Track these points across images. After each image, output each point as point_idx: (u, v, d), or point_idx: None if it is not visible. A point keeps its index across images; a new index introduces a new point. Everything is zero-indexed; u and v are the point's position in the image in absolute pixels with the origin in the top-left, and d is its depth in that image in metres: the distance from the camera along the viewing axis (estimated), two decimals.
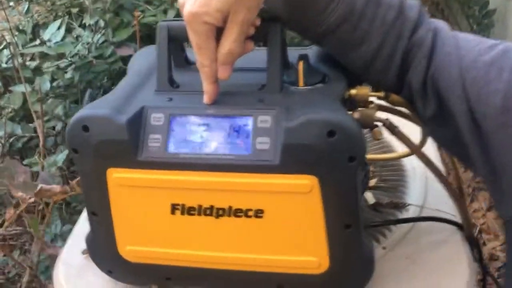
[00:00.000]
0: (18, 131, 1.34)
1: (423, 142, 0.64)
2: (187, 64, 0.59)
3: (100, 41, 1.43)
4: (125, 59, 1.44)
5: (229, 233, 0.53)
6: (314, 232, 0.51)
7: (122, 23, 1.46)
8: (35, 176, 1.35)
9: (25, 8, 1.67)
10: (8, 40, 1.54)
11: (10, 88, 1.40)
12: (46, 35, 1.30)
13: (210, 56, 0.49)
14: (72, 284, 0.63)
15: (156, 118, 0.51)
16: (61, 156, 1.20)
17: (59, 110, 1.30)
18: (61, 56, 1.33)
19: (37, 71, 1.43)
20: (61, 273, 0.66)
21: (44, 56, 1.44)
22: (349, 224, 0.51)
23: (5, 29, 1.62)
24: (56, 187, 0.64)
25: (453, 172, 0.70)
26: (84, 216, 0.75)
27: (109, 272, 0.59)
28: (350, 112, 0.53)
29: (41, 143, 1.12)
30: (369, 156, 0.71)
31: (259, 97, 0.52)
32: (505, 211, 0.53)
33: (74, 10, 1.63)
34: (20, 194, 0.64)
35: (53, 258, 0.98)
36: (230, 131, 0.50)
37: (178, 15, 1.55)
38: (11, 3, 1.78)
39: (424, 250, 0.63)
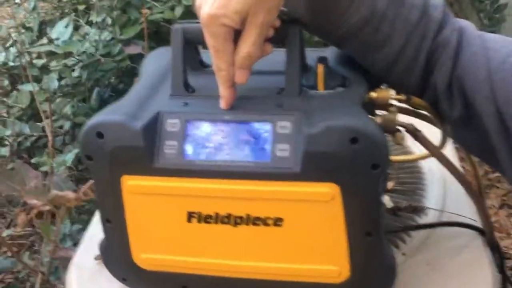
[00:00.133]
0: (26, 130, 1.33)
1: (442, 144, 0.62)
2: (202, 67, 0.57)
3: (107, 38, 1.41)
4: (133, 57, 1.42)
5: (247, 242, 0.51)
6: (335, 241, 0.50)
7: (130, 20, 1.44)
8: (43, 176, 1.34)
9: (31, 5, 1.65)
10: (14, 38, 1.53)
11: (18, 87, 1.39)
12: (53, 33, 1.29)
13: (227, 59, 0.48)
14: None
15: (172, 124, 0.50)
16: (69, 156, 1.19)
17: (67, 110, 1.28)
18: (68, 54, 1.32)
19: (44, 69, 1.42)
20: (74, 278, 0.65)
21: (51, 54, 1.43)
22: (370, 232, 0.49)
23: (11, 26, 1.61)
24: (70, 194, 0.63)
25: (469, 172, 0.68)
26: (96, 220, 0.74)
27: (123, 280, 0.58)
28: (371, 117, 0.51)
29: (50, 143, 1.10)
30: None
31: (278, 101, 0.50)
32: None
33: (81, 7, 1.61)
34: (34, 201, 0.63)
35: (63, 260, 0.97)
36: (248, 137, 0.49)
37: (186, 12, 1.55)
38: (17, 0, 1.76)
39: (445, 256, 0.62)
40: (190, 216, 0.51)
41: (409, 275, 0.59)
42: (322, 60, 0.52)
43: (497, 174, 1.74)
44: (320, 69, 0.51)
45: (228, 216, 0.50)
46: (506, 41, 0.51)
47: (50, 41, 1.30)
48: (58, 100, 1.30)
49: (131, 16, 1.45)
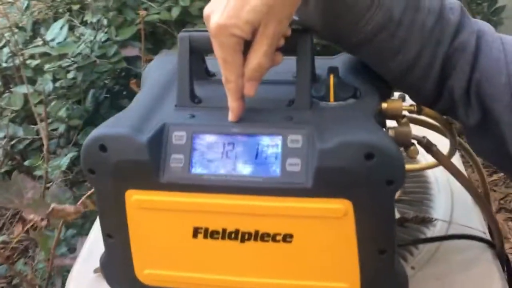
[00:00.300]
0: (20, 133, 1.30)
1: (451, 153, 0.61)
2: (208, 75, 0.56)
3: (103, 39, 1.39)
4: (129, 59, 1.40)
5: (255, 258, 0.50)
6: (346, 258, 0.48)
7: (126, 21, 1.42)
8: (36, 178, 1.32)
9: (25, 5, 1.62)
10: (7, 38, 1.50)
11: (12, 89, 1.36)
12: (48, 35, 1.26)
13: (236, 71, 0.46)
14: None
15: (178, 137, 0.48)
16: (64, 160, 1.17)
17: (62, 112, 1.26)
18: (63, 56, 1.30)
19: (38, 70, 1.39)
20: None
21: (45, 55, 1.40)
22: (383, 249, 0.48)
23: (4, 26, 1.58)
24: (70, 207, 0.61)
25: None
26: (95, 230, 0.72)
27: None
28: (385, 130, 0.49)
29: (45, 148, 1.08)
30: None
31: (288, 114, 0.48)
32: None
33: (75, 7, 1.59)
34: (32, 216, 0.60)
35: (58, 268, 0.95)
36: (257, 151, 0.47)
37: (183, 12, 1.52)
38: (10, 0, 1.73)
39: (454, 270, 0.60)
40: (196, 231, 0.49)
41: None
42: (333, 70, 0.51)
43: (493, 178, 1.73)
44: (332, 80, 0.50)
45: (236, 232, 0.48)
46: None
47: (45, 42, 1.27)
48: (53, 103, 1.28)
49: (127, 17, 1.43)
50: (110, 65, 1.35)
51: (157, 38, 1.51)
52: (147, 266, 0.53)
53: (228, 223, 0.48)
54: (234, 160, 0.47)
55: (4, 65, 1.44)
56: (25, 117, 1.41)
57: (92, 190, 0.71)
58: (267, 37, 0.45)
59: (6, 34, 1.53)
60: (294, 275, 0.50)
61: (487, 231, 0.66)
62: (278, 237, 0.48)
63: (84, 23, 1.51)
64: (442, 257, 0.62)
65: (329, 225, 0.47)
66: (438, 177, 0.73)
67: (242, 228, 0.48)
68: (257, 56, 0.46)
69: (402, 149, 0.51)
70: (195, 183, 0.47)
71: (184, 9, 1.48)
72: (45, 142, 1.08)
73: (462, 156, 0.83)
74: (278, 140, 0.47)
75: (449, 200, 0.70)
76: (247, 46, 0.46)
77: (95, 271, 0.63)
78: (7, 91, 1.50)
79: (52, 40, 1.27)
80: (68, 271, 1.08)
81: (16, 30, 1.55)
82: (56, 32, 1.28)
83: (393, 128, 0.50)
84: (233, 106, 0.47)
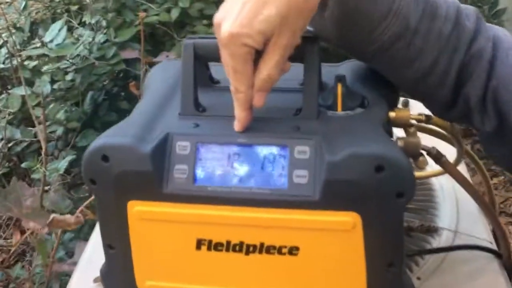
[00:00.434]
0: (18, 135, 1.29)
1: (457, 162, 0.60)
2: (212, 83, 0.54)
3: (102, 41, 1.37)
4: (128, 60, 1.39)
5: (259, 271, 0.48)
6: (353, 271, 0.47)
7: (125, 22, 1.41)
8: (34, 182, 1.31)
9: (22, 5, 1.61)
10: (5, 38, 1.48)
11: (9, 91, 1.35)
12: (47, 36, 1.25)
13: (246, 81, 0.45)
14: None
15: (182, 147, 0.47)
16: (63, 163, 1.16)
17: (60, 115, 1.24)
18: (61, 57, 1.28)
19: (36, 72, 1.37)
20: None
21: (42, 56, 1.38)
22: (391, 262, 0.47)
23: (1, 27, 1.56)
24: (70, 218, 0.59)
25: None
26: (94, 238, 0.71)
27: None
28: (394, 140, 0.48)
29: (43, 151, 1.06)
30: None
31: (295, 123, 0.47)
32: None
33: (74, 8, 1.57)
34: (32, 225, 0.59)
35: (56, 274, 0.94)
36: (264, 162, 0.46)
37: (182, 14, 1.51)
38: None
39: (461, 281, 0.60)
40: (200, 243, 0.48)
41: None
42: (341, 79, 0.49)
43: (493, 182, 1.73)
44: (339, 89, 0.49)
45: (240, 244, 0.47)
46: None
47: (43, 44, 1.26)
48: (51, 105, 1.26)
49: (126, 18, 1.42)
50: (109, 67, 1.33)
51: (156, 40, 1.50)
52: (148, 277, 0.51)
53: (232, 235, 0.47)
54: (240, 171, 0.46)
55: (2, 66, 1.42)
56: (23, 119, 1.40)
57: (92, 197, 0.70)
58: (279, 47, 0.44)
59: (3, 35, 1.52)
60: None
61: (493, 241, 0.65)
62: (284, 250, 0.47)
63: (82, 24, 1.49)
64: (448, 268, 0.61)
65: (337, 238, 0.46)
66: (443, 184, 0.73)
67: (247, 241, 0.47)
68: (268, 67, 0.44)
69: (410, 159, 0.50)
70: (199, 194, 0.46)
71: (184, 10, 1.47)
72: (43, 145, 1.06)
73: (466, 164, 0.82)
74: (285, 151, 0.46)
75: (455, 208, 0.69)
76: (256, 55, 0.45)
77: (95, 280, 0.62)
78: (4, 92, 1.48)
79: (51, 41, 1.26)
80: (66, 276, 1.07)
81: (13, 31, 1.53)
82: (54, 33, 1.26)
83: (402, 138, 0.49)
84: (240, 116, 0.46)
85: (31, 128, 1.31)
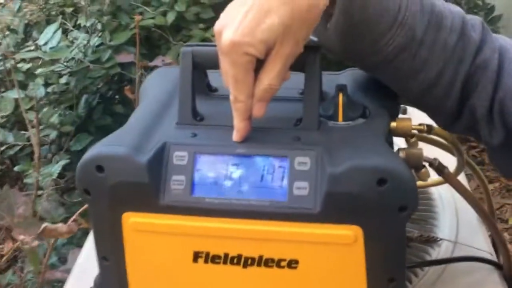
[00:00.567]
0: (10, 139, 1.27)
1: (458, 172, 0.59)
2: (210, 91, 0.53)
3: (97, 44, 1.36)
4: (123, 64, 1.37)
5: (257, 284, 0.47)
6: (353, 285, 0.46)
7: (120, 25, 1.39)
8: (27, 187, 1.29)
9: (16, 7, 1.59)
10: None
11: (2, 94, 1.33)
12: (41, 39, 1.23)
13: (246, 91, 0.44)
14: None
15: (179, 157, 0.45)
16: (56, 167, 1.14)
17: (54, 119, 1.23)
18: (55, 61, 1.27)
19: (30, 74, 1.36)
20: None
21: (36, 59, 1.37)
22: (393, 277, 0.46)
23: None
24: (62, 227, 0.58)
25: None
26: (87, 246, 0.69)
27: None
28: (396, 152, 0.47)
29: (36, 156, 1.05)
30: None
31: (295, 134, 0.46)
32: None
33: (68, 10, 1.56)
34: (22, 237, 0.58)
35: (48, 281, 0.92)
36: (263, 173, 0.45)
37: (178, 17, 1.49)
38: (1, 1, 1.70)
39: None
40: (197, 256, 0.47)
41: None
42: (342, 89, 0.48)
43: (490, 188, 1.72)
44: (341, 99, 0.48)
45: (239, 257, 0.46)
46: None
47: (37, 47, 1.24)
48: (45, 109, 1.25)
49: (122, 21, 1.40)
50: (104, 70, 1.32)
51: (152, 43, 1.49)
52: None
53: (230, 248, 0.46)
54: (238, 182, 0.45)
55: None
56: (16, 122, 1.38)
57: (86, 205, 0.68)
58: (281, 57, 0.43)
59: None
60: None
61: (493, 251, 0.64)
62: (283, 263, 0.46)
63: (77, 26, 1.48)
64: (448, 279, 0.60)
65: (337, 252, 0.45)
66: (442, 193, 0.72)
67: (245, 253, 0.46)
68: (269, 76, 0.43)
69: (412, 171, 0.49)
70: (197, 206, 0.45)
71: (180, 14, 1.46)
72: (36, 149, 1.05)
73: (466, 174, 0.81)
74: (285, 162, 0.44)
75: (454, 218, 0.68)
76: (257, 64, 0.44)
77: None
78: None
79: (45, 44, 1.24)
80: (59, 282, 1.05)
81: (7, 33, 1.51)
82: (49, 36, 1.25)
83: (404, 149, 0.48)
84: (239, 126, 0.45)
85: (24, 132, 1.30)
